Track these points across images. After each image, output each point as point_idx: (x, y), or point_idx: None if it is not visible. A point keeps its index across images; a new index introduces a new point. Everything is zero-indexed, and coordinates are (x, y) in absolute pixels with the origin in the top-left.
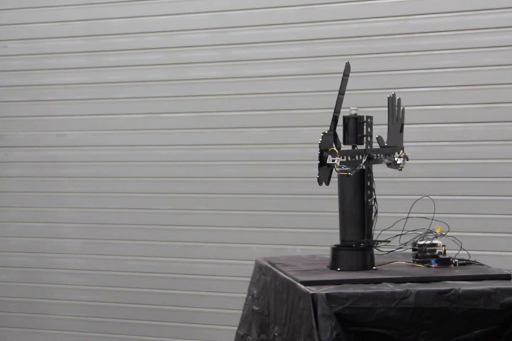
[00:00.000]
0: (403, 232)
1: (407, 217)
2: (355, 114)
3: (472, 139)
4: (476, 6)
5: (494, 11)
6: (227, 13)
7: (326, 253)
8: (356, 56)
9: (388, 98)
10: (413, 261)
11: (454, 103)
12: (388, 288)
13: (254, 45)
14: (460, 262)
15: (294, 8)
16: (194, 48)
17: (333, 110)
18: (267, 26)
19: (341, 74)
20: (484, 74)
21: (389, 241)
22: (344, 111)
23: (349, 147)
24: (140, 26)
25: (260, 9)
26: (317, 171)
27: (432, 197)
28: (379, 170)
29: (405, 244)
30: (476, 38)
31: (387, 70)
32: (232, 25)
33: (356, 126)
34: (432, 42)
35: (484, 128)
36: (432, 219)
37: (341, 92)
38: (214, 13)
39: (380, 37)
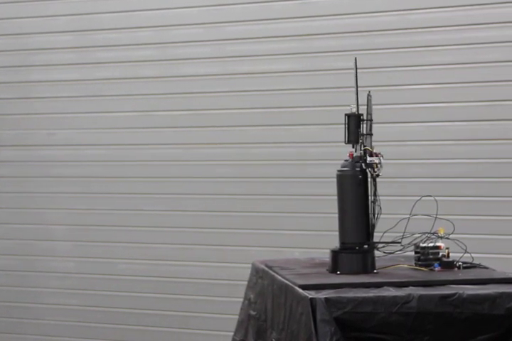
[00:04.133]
0: (410, 234)
1: (410, 216)
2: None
3: (476, 138)
4: (480, 0)
5: (498, 5)
6: (221, 7)
7: (326, 255)
8: (355, 52)
9: (367, 96)
10: (415, 264)
11: (456, 100)
12: (390, 292)
13: (249, 40)
14: (464, 265)
15: (290, 2)
16: (188, 44)
17: (332, 108)
18: (263, 21)
19: (340, 71)
20: (488, 71)
21: (399, 243)
22: (344, 109)
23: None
24: (132, 21)
25: (256, 3)
26: (315, 171)
27: (434, 197)
28: None
29: (405, 246)
30: (480, 33)
31: (386, 67)
32: (226, 20)
33: (358, 125)
34: (433, 37)
35: (488, 126)
36: (436, 217)
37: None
38: (208, 8)
39: (379, 32)
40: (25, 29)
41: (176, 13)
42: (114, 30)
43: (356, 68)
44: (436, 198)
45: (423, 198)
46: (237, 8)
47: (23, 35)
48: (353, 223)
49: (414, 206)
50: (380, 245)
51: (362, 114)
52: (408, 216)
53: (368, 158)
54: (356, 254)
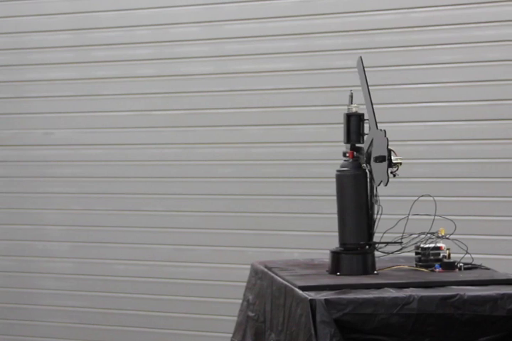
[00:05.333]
0: (410, 234)
1: (408, 216)
2: (357, 112)
3: (476, 138)
4: None
5: (497, 3)
6: (219, 5)
7: (325, 256)
8: (355, 51)
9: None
10: (416, 264)
11: (457, 100)
12: (390, 293)
13: (248, 39)
14: (465, 266)
15: (289, 0)
16: (185, 43)
17: (333, 107)
18: (262, 19)
19: (339, 70)
20: (488, 70)
21: (400, 243)
22: (344, 108)
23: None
24: (129, 20)
25: (254, 2)
26: (315, 171)
27: (435, 198)
28: None
29: (405, 246)
30: (479, 32)
31: (386, 66)
32: (225, 18)
33: (359, 124)
34: (433, 36)
35: (489, 126)
36: (435, 216)
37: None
38: (206, 6)
39: (379, 31)
40: (22, 27)
41: (173, 12)
42: (112, 28)
43: (363, 66)
44: (437, 198)
45: (425, 198)
46: (235, 6)
47: (20, 34)
48: (353, 223)
49: (412, 206)
50: (380, 245)
51: (362, 114)
52: (407, 216)
53: (393, 157)
54: (357, 255)
